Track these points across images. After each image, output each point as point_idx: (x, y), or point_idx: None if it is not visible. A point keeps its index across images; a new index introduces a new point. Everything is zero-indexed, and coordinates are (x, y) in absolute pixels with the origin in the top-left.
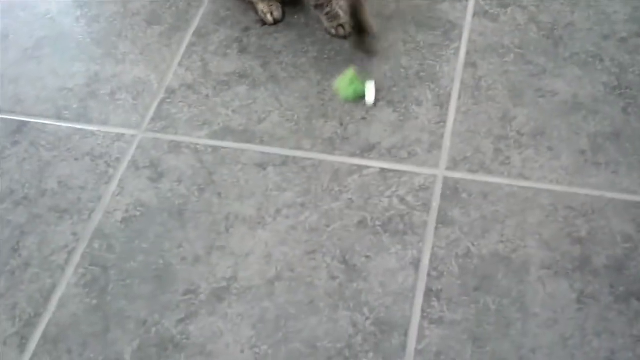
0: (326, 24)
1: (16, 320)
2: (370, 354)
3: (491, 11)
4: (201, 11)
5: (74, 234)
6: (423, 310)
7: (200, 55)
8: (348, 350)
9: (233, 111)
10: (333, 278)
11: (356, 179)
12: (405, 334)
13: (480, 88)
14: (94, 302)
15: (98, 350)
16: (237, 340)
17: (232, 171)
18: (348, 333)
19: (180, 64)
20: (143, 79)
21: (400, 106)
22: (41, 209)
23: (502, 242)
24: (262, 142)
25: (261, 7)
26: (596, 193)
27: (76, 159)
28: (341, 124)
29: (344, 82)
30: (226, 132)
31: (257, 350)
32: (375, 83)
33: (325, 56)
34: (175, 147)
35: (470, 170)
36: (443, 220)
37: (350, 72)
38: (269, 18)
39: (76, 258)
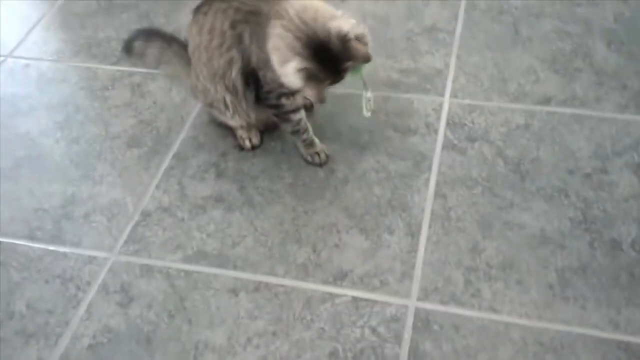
0: (302, 150)
1: None
2: None
3: (459, 145)
4: (181, 136)
5: (40, 359)
6: None
7: (178, 178)
8: None
9: (208, 235)
10: None
11: (328, 307)
12: None
13: (450, 219)
14: None
15: None
16: None
17: (204, 297)
18: None
19: (157, 187)
20: (119, 201)
21: (373, 234)
22: (7, 332)
23: None
24: (235, 267)
25: (240, 132)
26: (565, 328)
27: (46, 281)
28: (314, 250)
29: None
30: (200, 256)
31: None
32: (347, 210)
33: (301, 182)
34: (147, 271)
35: (442, 302)
36: (415, 353)
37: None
38: (247, 144)
39: None
